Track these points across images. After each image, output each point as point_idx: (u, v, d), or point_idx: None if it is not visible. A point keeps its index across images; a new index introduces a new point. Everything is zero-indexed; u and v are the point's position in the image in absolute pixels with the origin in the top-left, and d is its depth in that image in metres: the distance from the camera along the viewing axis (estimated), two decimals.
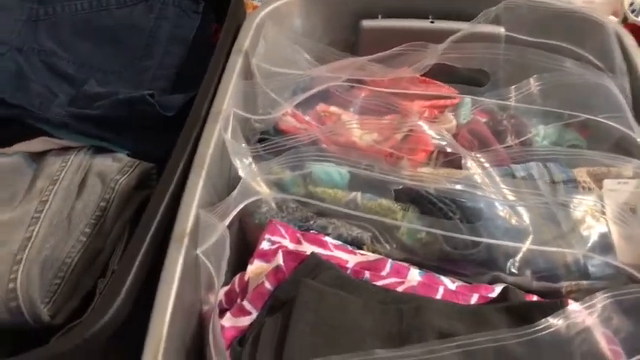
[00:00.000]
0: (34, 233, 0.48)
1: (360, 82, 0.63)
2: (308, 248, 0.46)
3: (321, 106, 0.64)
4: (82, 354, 0.38)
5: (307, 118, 0.62)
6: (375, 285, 0.44)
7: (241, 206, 0.49)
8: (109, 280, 0.49)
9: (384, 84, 0.64)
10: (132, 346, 0.40)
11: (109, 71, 0.63)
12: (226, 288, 0.46)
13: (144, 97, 0.55)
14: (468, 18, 0.63)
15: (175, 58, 0.64)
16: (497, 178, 0.50)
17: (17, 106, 0.57)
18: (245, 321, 0.41)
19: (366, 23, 0.67)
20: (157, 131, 0.57)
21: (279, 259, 0.43)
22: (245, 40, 0.59)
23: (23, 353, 0.39)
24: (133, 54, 0.64)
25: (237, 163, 0.52)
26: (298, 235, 0.48)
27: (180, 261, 0.43)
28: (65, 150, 0.58)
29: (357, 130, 0.62)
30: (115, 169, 0.54)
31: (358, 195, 0.51)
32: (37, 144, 0.60)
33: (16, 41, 0.62)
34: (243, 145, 0.54)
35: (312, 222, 0.52)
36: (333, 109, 0.64)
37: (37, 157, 0.59)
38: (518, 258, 0.48)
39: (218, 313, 0.42)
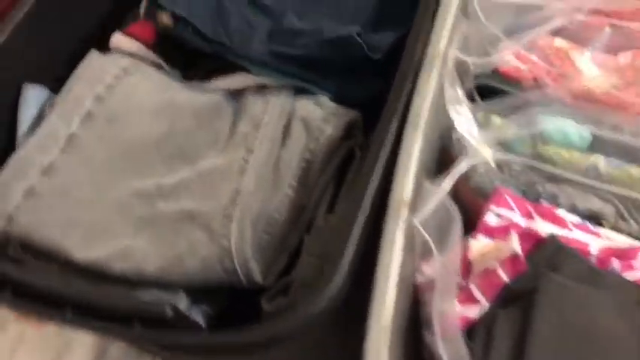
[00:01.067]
0: (243, 185, 0.46)
1: (597, 13, 0.53)
2: (542, 225, 0.40)
3: (544, 40, 0.55)
4: (303, 332, 0.36)
5: (532, 56, 0.54)
6: (628, 280, 0.37)
7: (462, 168, 0.44)
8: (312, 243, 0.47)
9: (628, 16, 0.53)
10: (350, 324, 0.37)
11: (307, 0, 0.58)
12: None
13: (350, 37, 0.49)
14: None
15: None
16: None
17: (218, 42, 0.56)
18: (473, 311, 0.37)
19: None
20: (363, 74, 0.52)
21: (515, 245, 0.38)
22: None
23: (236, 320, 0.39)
24: None
25: (456, 118, 0.46)
26: (529, 207, 0.41)
27: (400, 232, 0.39)
28: (264, 89, 0.55)
29: (591, 70, 0.52)
30: (319, 116, 0.50)
31: (601, 160, 0.44)
32: (235, 80, 0.58)
33: None
34: (461, 94, 0.47)
35: (539, 188, 0.45)
36: (558, 42, 0.55)
37: (236, 95, 0.58)
38: None
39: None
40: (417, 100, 0.45)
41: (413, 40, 0.47)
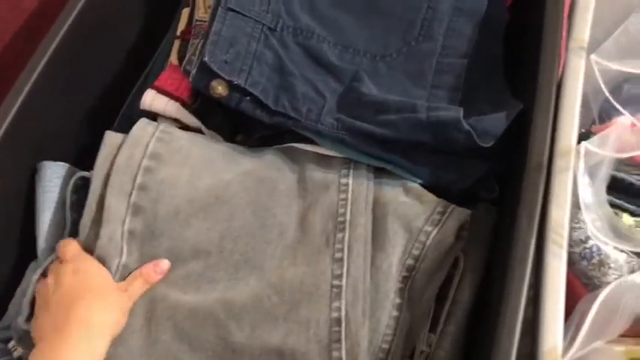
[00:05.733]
0: (343, 314, 0.39)
1: None
2: None
3: None
4: None
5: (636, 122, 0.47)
6: None
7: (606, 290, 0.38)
8: None
9: None
10: None
11: (378, 56, 0.49)
12: None
13: (458, 123, 0.41)
14: None
15: (461, 39, 0.48)
16: None
17: (282, 114, 0.47)
18: None
19: None
20: (461, 156, 0.44)
21: None
22: (585, 31, 0.43)
23: None
24: (407, 32, 0.49)
25: (589, 224, 0.40)
26: None
27: None
28: (329, 163, 0.47)
29: None
30: (418, 212, 0.42)
31: None
32: (295, 151, 0.50)
33: (267, 17, 0.49)
34: (593, 193, 0.40)
35: None
36: None
37: (290, 164, 0.49)
38: None
39: None
40: (555, 214, 0.37)
41: (538, 130, 0.39)
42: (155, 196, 0.44)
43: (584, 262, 0.41)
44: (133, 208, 0.44)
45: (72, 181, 0.48)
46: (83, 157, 0.51)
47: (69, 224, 0.47)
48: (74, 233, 0.48)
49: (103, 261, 0.42)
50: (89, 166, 0.50)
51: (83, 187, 0.49)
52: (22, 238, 0.48)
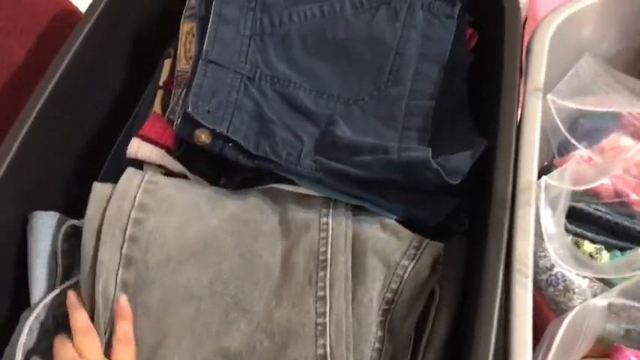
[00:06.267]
0: (328, 350, 0.41)
1: None
2: None
3: (610, 139, 0.52)
4: None
5: (592, 154, 0.51)
6: None
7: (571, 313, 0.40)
8: None
9: None
10: None
11: (352, 101, 0.52)
12: None
13: (427, 163, 0.44)
14: None
15: (428, 83, 0.52)
16: None
17: (264, 159, 0.50)
18: None
19: None
20: (432, 193, 0.47)
21: None
22: (540, 74, 0.46)
23: None
24: (378, 78, 0.52)
25: (552, 253, 0.43)
26: None
27: None
28: (309, 203, 0.49)
29: None
30: (395, 247, 0.45)
31: None
32: (276, 192, 0.52)
33: (246, 68, 0.52)
34: (554, 223, 0.44)
35: None
36: (625, 141, 0.52)
37: (272, 204, 0.51)
38: None
39: None
40: (519, 247, 0.40)
41: (501, 170, 0.43)
42: (145, 246, 0.46)
43: (551, 289, 0.44)
44: (124, 260, 0.45)
45: (62, 230, 0.50)
46: (73, 204, 0.53)
47: (60, 272, 0.49)
48: (66, 281, 0.50)
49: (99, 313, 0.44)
50: (79, 212, 0.53)
51: (73, 234, 0.51)
52: (16, 285, 0.50)
